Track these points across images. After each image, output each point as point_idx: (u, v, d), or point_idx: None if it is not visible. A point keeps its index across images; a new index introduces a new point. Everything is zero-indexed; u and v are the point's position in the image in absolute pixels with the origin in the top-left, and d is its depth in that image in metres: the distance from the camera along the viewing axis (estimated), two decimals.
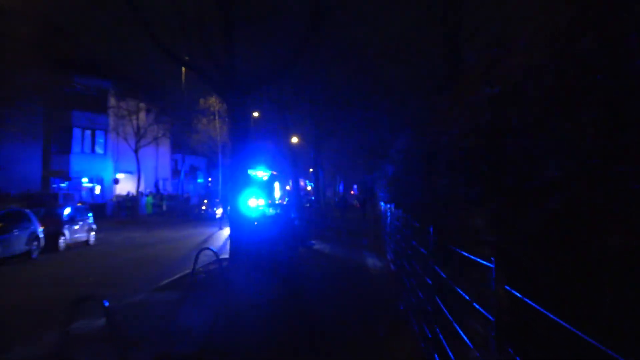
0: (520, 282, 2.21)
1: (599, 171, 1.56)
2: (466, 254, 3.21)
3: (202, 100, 36.79)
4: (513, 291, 2.29)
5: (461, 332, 3.36)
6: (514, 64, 2.13)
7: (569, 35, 1.96)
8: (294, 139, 31.90)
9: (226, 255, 13.19)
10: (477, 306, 3.03)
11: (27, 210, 16.71)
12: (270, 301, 8.67)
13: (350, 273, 12.18)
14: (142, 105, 38.43)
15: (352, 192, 56.01)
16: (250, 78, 12.90)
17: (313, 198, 35.56)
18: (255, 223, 15.61)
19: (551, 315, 1.85)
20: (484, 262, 2.77)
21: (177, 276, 11.65)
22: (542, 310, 1.97)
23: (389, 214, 13.08)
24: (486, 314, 2.76)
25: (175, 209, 41.10)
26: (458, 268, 3.52)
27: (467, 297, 3.25)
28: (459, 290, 3.44)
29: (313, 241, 18.19)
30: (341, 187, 49.86)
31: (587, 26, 1.85)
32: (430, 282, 4.95)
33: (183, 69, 28.45)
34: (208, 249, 10.01)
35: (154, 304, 8.98)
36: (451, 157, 3.74)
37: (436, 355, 4.50)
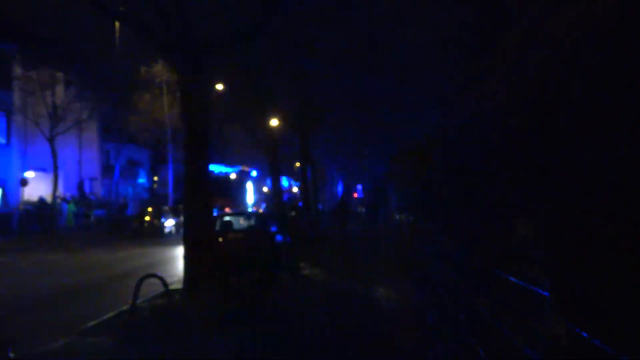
0: (583, 317, 2.25)
1: None
2: (513, 279, 3.24)
3: (143, 69, 36.84)
4: (575, 327, 2.31)
5: None
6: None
7: None
8: (274, 122, 31.93)
9: (180, 285, 13.19)
10: (527, 351, 3.07)
11: None
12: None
13: (356, 317, 12.08)
14: (59, 75, 38.33)
15: (356, 195, 56.15)
16: (208, 36, 12.94)
17: (301, 204, 35.67)
18: (221, 240, 15.66)
19: None
20: (536, 289, 2.80)
21: (111, 314, 11.65)
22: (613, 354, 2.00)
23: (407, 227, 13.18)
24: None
25: (108, 220, 41.07)
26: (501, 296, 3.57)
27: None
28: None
29: (302, 264, 18.26)
30: (339, 189, 49.98)
31: None
32: (462, 318, 5.01)
33: (116, 23, 28.34)
34: (154, 275, 10.02)
35: (74, 356, 8.95)
36: (486, 145, 3.80)
37: None
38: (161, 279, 11.21)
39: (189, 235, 12.35)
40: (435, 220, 8.13)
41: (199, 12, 13.12)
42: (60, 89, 39.00)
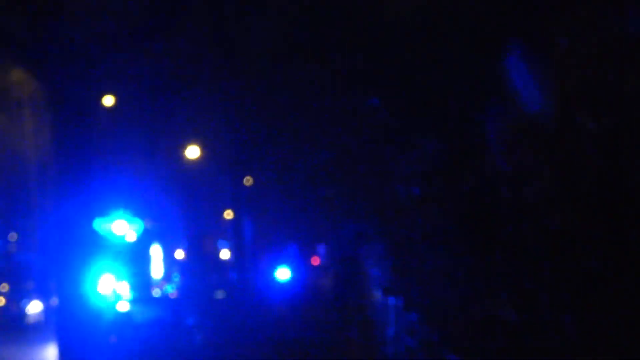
0: None
1: None
2: None
3: None
4: None
5: None
6: None
7: None
8: (192, 154, 32.00)
9: None
10: None
11: None
12: None
13: None
14: None
15: (317, 261, 56.13)
16: (90, 36, 13.08)
17: (235, 275, 35.61)
18: (112, 341, 15.54)
19: None
20: None
21: None
22: None
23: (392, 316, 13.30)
24: None
25: None
26: None
27: None
28: None
29: None
30: (291, 252, 50.03)
31: None
32: None
33: None
34: None
35: None
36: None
37: None
38: None
39: (63, 332, 12.36)
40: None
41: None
42: None
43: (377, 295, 16.20)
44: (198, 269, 28.92)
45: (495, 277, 6.42)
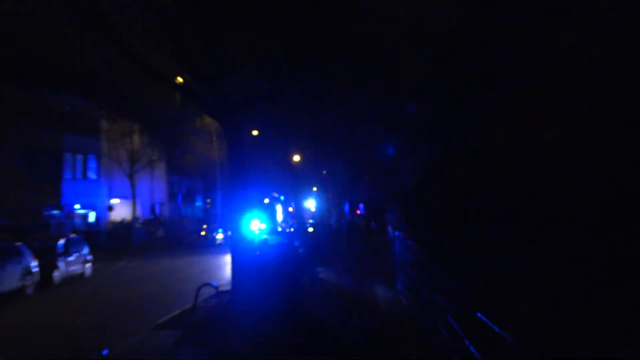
0: None
1: None
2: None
3: (197, 121, 37.37)
4: None
5: None
6: None
7: None
8: (296, 157, 32.27)
9: (228, 287, 13.44)
10: None
11: (19, 244, 17.06)
12: (272, 344, 8.83)
13: (359, 310, 12.34)
14: (135, 127, 39.03)
15: (359, 212, 56.02)
16: (243, 98, 13.00)
17: (316, 221, 35.78)
18: (258, 253, 15.87)
19: None
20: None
21: (177, 312, 11.91)
22: None
23: (397, 242, 13.28)
24: None
25: (173, 235, 41.43)
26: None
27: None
28: None
29: (319, 269, 18.45)
30: (346, 208, 49.98)
31: None
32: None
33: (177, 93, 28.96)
34: (209, 284, 10.27)
35: (150, 350, 9.17)
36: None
37: None
38: (214, 286, 11.46)
39: (234, 250, 12.43)
40: (412, 235, 8.15)
41: (234, 82, 13.25)
42: (136, 137, 39.65)
43: (390, 230, 16.26)
44: (299, 217, 29.12)
45: (454, 225, 6.03)
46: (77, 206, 37.00)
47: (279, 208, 41.01)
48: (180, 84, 13.45)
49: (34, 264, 16.88)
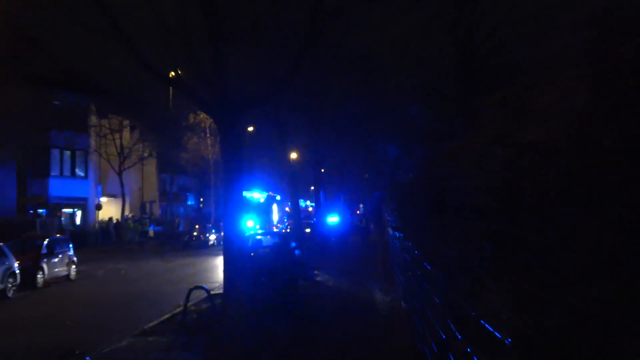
0: None
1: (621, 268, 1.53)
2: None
3: (191, 116, 37.05)
4: None
5: None
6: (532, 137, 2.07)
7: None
8: (293, 155, 32.02)
9: (220, 290, 13.18)
10: None
11: (1, 244, 16.75)
12: (267, 350, 8.62)
13: (358, 313, 12.11)
14: (125, 122, 38.74)
15: (358, 212, 56.03)
16: (242, 97, 12.89)
17: (314, 221, 35.51)
18: (252, 255, 15.59)
19: None
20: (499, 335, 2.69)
21: (166, 316, 11.65)
22: None
23: (397, 242, 13.07)
24: None
25: (164, 235, 41.12)
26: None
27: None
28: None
29: (315, 272, 18.19)
30: (346, 208, 49.85)
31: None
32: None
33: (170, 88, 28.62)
34: (200, 287, 10.02)
35: (137, 354, 8.91)
36: (461, 206, 3.72)
37: None
38: (205, 289, 11.22)
39: (227, 251, 12.24)
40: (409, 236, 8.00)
41: (233, 81, 13.12)
42: (126, 133, 39.38)
43: (389, 230, 16.08)
44: (296, 217, 28.81)
45: (444, 226, 6.22)
46: (64, 204, 36.65)
47: (274, 208, 40.72)
48: (180, 83, 13.20)
49: (16, 265, 16.56)
